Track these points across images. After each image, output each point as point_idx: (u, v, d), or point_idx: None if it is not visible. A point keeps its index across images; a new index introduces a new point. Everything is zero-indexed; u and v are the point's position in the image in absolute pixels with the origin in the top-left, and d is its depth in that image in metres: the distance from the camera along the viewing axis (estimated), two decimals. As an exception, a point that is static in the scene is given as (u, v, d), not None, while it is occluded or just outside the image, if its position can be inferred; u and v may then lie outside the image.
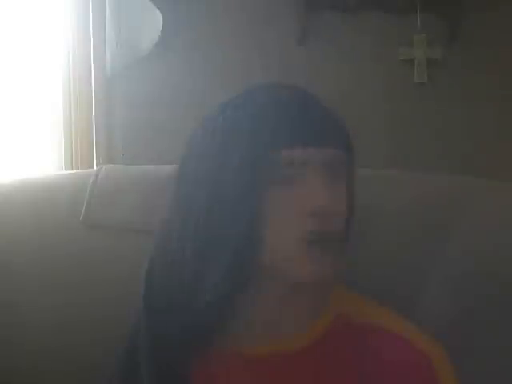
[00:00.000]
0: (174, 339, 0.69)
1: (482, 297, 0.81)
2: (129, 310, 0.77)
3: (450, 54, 1.73)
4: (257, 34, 1.69)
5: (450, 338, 0.75)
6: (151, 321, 0.71)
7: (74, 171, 1.55)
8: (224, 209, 0.67)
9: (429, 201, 0.92)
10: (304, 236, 0.66)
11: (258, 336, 0.70)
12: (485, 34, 1.71)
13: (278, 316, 0.71)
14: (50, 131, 1.70)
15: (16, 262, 0.97)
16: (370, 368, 0.69)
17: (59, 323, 0.94)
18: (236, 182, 0.66)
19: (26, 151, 1.64)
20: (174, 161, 1.11)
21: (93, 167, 1.64)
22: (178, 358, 0.69)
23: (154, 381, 0.68)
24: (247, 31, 1.70)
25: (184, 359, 0.69)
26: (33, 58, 1.65)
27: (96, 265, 0.96)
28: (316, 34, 1.70)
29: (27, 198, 1.03)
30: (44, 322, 0.95)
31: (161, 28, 1.62)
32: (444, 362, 0.70)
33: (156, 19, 1.62)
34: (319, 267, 0.67)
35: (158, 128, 1.69)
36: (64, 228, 0.99)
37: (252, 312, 0.70)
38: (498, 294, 0.83)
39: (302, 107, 0.68)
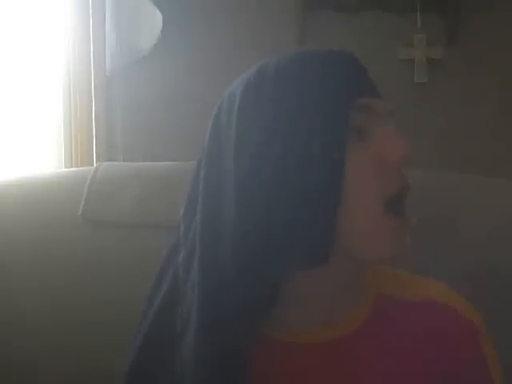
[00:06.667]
0: (232, 318, 0.62)
1: (482, 295, 0.81)
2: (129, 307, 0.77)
3: (450, 54, 1.73)
4: (256, 33, 1.69)
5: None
6: (206, 301, 0.63)
7: (73, 169, 1.55)
8: (303, 168, 0.61)
9: (428, 199, 0.92)
10: (387, 195, 0.62)
11: (308, 323, 0.68)
12: (485, 34, 1.72)
13: (330, 301, 0.68)
14: (50, 131, 1.70)
15: (15, 259, 0.97)
16: (423, 342, 0.68)
17: (59, 322, 0.95)
18: (322, 138, 0.61)
19: (26, 152, 1.64)
20: (173, 160, 1.11)
21: (93, 167, 1.64)
22: (233, 340, 0.62)
23: (204, 369, 0.62)
24: (246, 31, 1.70)
25: (240, 342, 0.63)
26: (33, 57, 1.66)
27: (95, 261, 0.96)
28: (315, 34, 1.70)
29: (26, 195, 1.03)
30: (44, 321, 0.95)
31: (161, 28, 1.62)
32: (485, 331, 0.70)
33: (156, 19, 1.62)
34: (401, 241, 0.64)
35: (158, 128, 1.70)
36: (63, 224, 0.99)
37: (303, 298, 0.68)
38: (498, 292, 0.83)
39: (357, 60, 0.68)
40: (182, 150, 1.54)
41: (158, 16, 1.61)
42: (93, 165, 1.67)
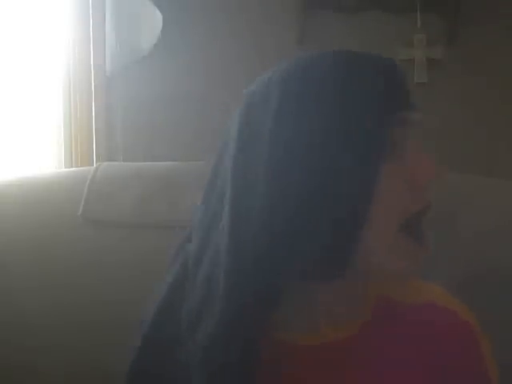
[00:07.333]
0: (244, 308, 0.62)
1: (482, 295, 0.81)
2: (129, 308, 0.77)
3: (450, 54, 1.73)
4: (256, 33, 1.69)
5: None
6: (231, 283, 0.62)
7: (73, 169, 1.55)
8: (333, 181, 0.60)
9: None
10: (410, 211, 0.63)
11: (311, 324, 0.68)
12: (485, 34, 1.71)
13: (333, 304, 0.69)
14: (50, 131, 1.70)
15: (15, 259, 0.97)
16: (424, 343, 0.68)
17: (59, 322, 0.95)
18: (357, 151, 0.60)
19: (26, 152, 1.64)
20: (174, 160, 1.11)
21: (93, 167, 1.64)
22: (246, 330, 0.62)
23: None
24: (246, 31, 1.70)
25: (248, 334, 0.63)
26: (33, 57, 1.66)
27: (95, 261, 0.97)
28: (315, 34, 1.70)
29: (26, 195, 1.03)
30: (44, 321, 0.95)
31: (161, 28, 1.62)
32: (482, 332, 0.71)
33: (156, 19, 1.62)
34: (417, 258, 0.65)
35: (158, 128, 1.69)
36: (63, 224, 0.99)
37: (306, 299, 0.68)
38: (498, 292, 0.83)
39: (401, 71, 0.68)
40: (182, 149, 1.55)
41: (158, 16, 1.61)
42: (93, 165, 1.67)
